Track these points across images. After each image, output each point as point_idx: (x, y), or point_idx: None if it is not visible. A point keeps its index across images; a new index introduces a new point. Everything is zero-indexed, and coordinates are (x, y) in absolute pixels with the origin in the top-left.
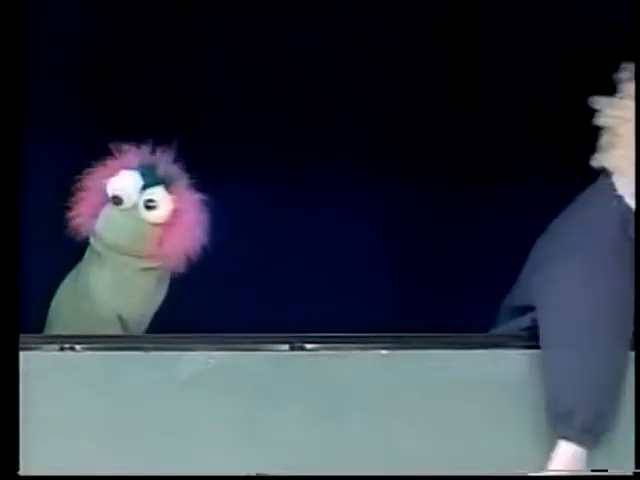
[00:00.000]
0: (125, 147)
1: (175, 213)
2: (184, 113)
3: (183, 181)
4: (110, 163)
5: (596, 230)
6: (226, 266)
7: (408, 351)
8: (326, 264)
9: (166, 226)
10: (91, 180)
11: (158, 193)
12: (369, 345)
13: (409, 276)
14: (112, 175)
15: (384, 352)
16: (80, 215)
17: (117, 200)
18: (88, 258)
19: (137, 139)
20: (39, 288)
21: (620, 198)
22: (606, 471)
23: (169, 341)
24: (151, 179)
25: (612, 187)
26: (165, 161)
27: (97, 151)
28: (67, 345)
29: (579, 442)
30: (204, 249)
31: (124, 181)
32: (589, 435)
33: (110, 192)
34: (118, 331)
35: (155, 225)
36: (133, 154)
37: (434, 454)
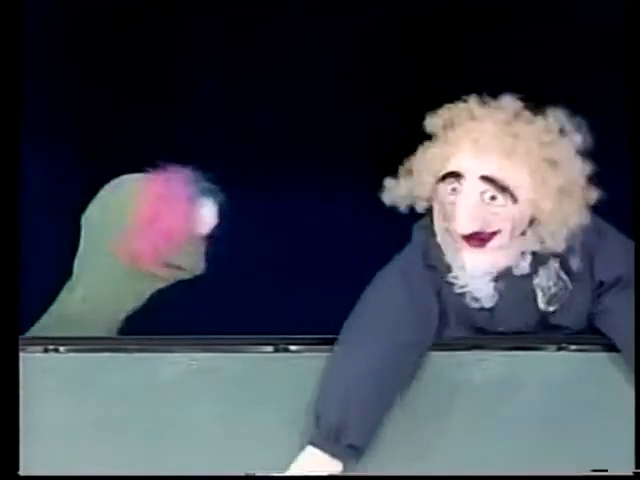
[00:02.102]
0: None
1: None
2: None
3: None
4: (164, 189)
5: (400, 254)
6: (209, 267)
7: None
8: (311, 266)
9: None
10: (147, 212)
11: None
12: None
13: None
14: (185, 205)
15: None
16: (154, 248)
17: None
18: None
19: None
20: (37, 292)
21: (424, 230)
22: (606, 471)
23: (152, 343)
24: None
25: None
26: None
27: (92, 156)
28: (51, 347)
29: (322, 448)
30: None
31: (213, 212)
32: (334, 444)
33: (208, 228)
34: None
35: None
36: (181, 176)
37: (420, 455)
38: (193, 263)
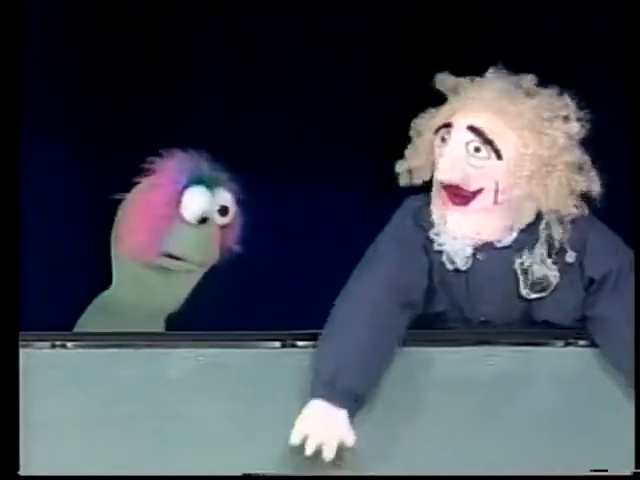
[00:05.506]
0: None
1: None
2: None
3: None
4: (155, 178)
5: (393, 217)
6: (217, 263)
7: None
8: (318, 262)
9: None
10: (141, 197)
11: (226, 197)
12: None
13: None
14: (170, 190)
15: None
16: (143, 236)
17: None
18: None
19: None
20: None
21: (417, 199)
22: (606, 471)
23: (160, 339)
24: (214, 185)
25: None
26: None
27: (92, 155)
28: (58, 342)
29: (320, 395)
30: None
31: (200, 199)
32: (330, 388)
33: (192, 215)
34: None
35: (222, 228)
36: (174, 163)
37: (427, 452)
38: (195, 254)
